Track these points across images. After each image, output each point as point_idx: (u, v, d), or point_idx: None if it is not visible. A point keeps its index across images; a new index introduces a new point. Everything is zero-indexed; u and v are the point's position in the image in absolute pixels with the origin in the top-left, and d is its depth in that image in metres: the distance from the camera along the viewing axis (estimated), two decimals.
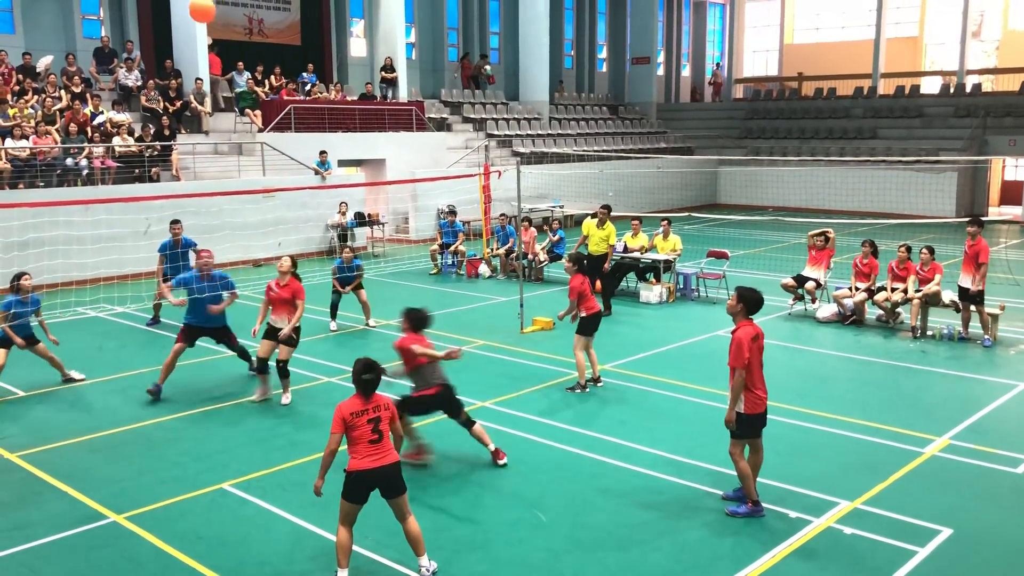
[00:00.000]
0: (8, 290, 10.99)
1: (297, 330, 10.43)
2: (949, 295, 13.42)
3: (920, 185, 28.61)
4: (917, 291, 13.39)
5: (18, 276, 10.89)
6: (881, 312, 14.09)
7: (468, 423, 8.41)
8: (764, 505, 7.34)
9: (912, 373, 11.55)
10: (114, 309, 15.49)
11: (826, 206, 29.90)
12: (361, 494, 6.19)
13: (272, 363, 10.49)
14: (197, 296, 10.71)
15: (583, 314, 10.51)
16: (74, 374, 11.31)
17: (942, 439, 8.99)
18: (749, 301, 7.25)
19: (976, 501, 7.58)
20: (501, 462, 8.32)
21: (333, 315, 14.26)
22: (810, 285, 14.65)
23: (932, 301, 13.40)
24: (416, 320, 8.38)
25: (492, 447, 8.39)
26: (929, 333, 13.38)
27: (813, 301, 14.79)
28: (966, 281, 12.99)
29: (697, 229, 25.51)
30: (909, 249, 13.84)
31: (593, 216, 15.56)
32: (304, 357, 12.31)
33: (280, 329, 10.30)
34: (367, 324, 14.26)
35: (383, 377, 6.35)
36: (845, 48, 41.82)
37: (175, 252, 13.78)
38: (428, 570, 6.32)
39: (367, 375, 6.22)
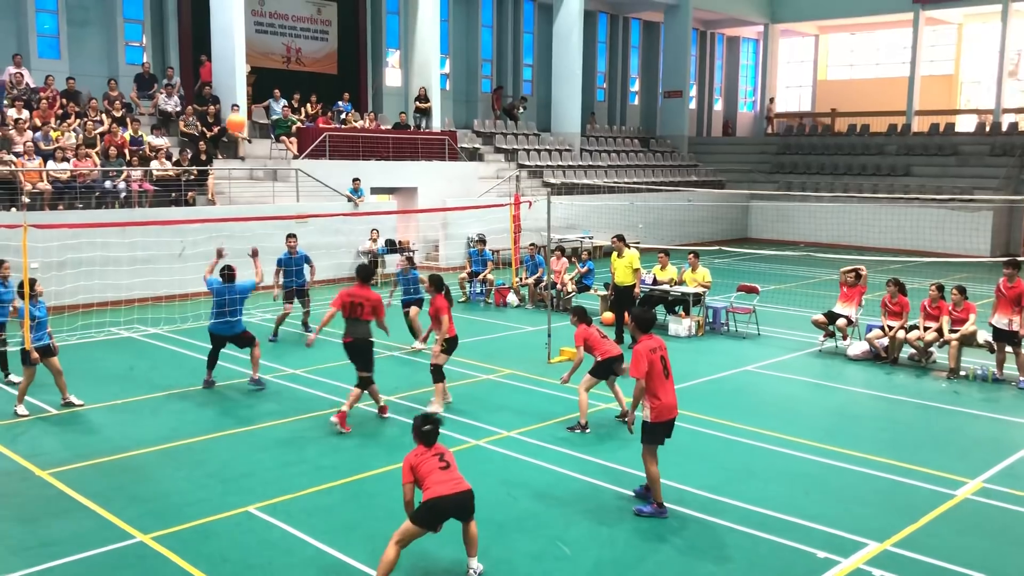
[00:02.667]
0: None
1: (446, 340, 10.94)
2: (983, 335, 13.25)
3: (955, 224, 28.34)
4: (953, 331, 13.21)
5: (33, 281, 10.92)
6: (913, 351, 13.92)
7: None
8: (790, 544, 7.25)
9: (944, 414, 11.38)
10: (147, 330, 15.68)
11: (858, 243, 29.69)
12: (435, 522, 6.52)
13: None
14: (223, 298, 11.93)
15: (598, 358, 10.38)
16: (73, 399, 11.21)
17: (975, 482, 8.83)
18: (639, 319, 8.05)
19: (1011, 547, 7.42)
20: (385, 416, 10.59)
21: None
22: (841, 322, 14.51)
23: (966, 341, 13.22)
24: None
25: (381, 402, 10.59)
26: (962, 373, 13.18)
27: (844, 338, 14.65)
28: (1001, 321, 12.81)
29: (727, 263, 25.40)
30: (941, 288, 13.68)
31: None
32: (327, 381, 12.38)
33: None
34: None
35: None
36: (879, 85, 41.74)
37: (290, 260, 15.43)
38: (476, 572, 6.68)
39: (426, 427, 6.63)
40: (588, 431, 10.25)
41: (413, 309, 14.67)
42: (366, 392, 10.52)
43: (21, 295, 10.83)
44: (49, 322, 11.26)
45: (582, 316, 10.59)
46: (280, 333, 15.38)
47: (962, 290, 13.43)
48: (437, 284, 11.14)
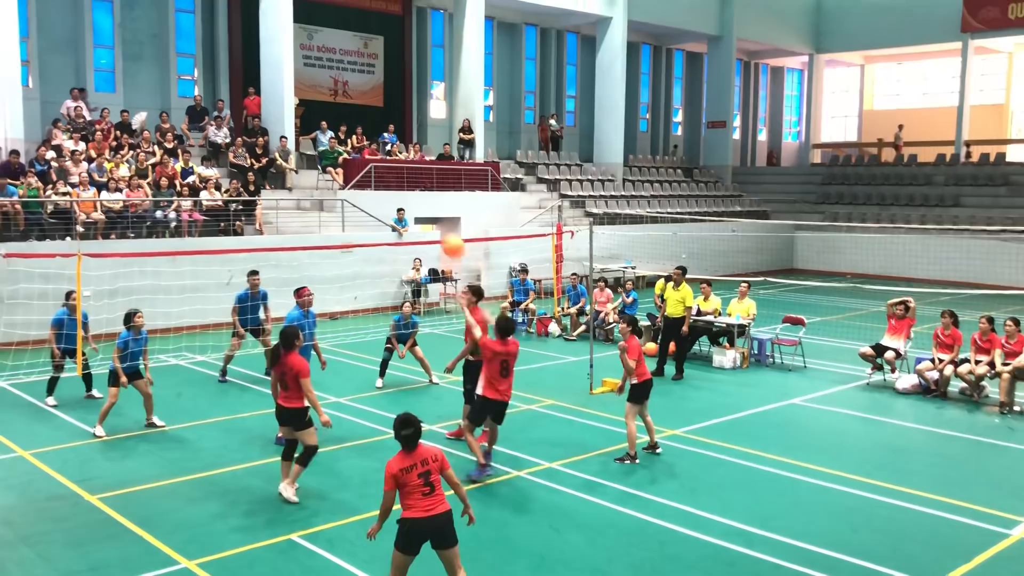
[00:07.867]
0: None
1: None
2: None
3: (1007, 255, 27.76)
4: (1005, 364, 12.92)
5: (131, 314, 11.48)
6: (964, 385, 13.62)
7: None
8: None
9: (998, 450, 11.10)
10: (194, 357, 15.92)
11: (906, 274, 29.21)
12: (413, 544, 6.21)
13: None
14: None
15: (634, 381, 10.32)
16: (156, 420, 11.68)
17: None
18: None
19: None
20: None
21: (382, 373, 14.04)
22: (890, 355, 14.27)
23: (1020, 375, 12.91)
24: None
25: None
26: (1016, 408, 12.86)
27: (893, 371, 14.39)
28: None
29: (773, 294, 25.13)
30: (991, 320, 13.40)
31: (667, 279, 15.49)
32: (370, 410, 12.44)
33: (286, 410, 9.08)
34: (431, 380, 14.25)
35: None
36: (927, 115, 41.21)
37: (251, 303, 14.26)
38: None
39: (405, 431, 6.29)
40: (637, 461, 10.16)
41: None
42: None
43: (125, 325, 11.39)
44: (145, 350, 11.69)
45: (635, 326, 10.63)
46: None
47: (1017, 322, 13.14)
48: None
